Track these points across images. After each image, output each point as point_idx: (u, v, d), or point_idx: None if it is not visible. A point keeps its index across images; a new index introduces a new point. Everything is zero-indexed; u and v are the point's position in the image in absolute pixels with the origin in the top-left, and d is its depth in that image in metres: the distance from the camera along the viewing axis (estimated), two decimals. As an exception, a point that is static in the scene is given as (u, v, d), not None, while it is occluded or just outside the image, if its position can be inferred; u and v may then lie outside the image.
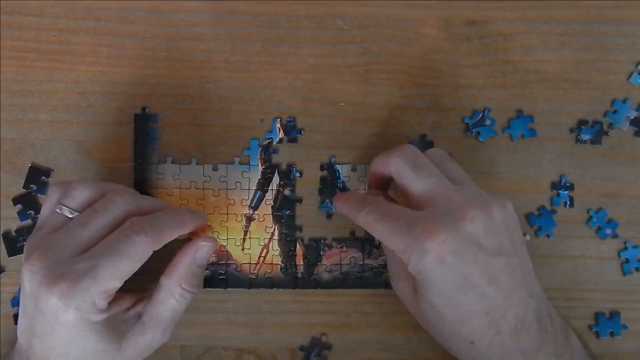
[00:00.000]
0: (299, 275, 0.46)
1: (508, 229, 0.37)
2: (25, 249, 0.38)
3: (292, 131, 0.46)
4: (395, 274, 0.41)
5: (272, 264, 0.46)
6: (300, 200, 0.46)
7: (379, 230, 0.37)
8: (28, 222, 0.46)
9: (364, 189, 0.46)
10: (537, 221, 0.46)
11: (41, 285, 0.35)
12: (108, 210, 0.38)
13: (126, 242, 0.36)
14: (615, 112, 0.46)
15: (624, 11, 0.46)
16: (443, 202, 0.37)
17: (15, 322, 0.45)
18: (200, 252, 0.40)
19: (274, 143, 0.46)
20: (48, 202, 0.39)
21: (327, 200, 0.46)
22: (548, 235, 0.46)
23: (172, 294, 0.39)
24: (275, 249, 0.46)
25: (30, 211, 0.46)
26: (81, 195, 0.38)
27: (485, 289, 0.35)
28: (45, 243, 0.36)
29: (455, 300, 0.36)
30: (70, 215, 0.38)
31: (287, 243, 0.46)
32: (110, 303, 0.37)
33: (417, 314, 0.39)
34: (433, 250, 0.35)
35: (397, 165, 0.39)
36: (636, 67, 0.46)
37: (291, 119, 0.46)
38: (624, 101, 0.46)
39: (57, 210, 0.38)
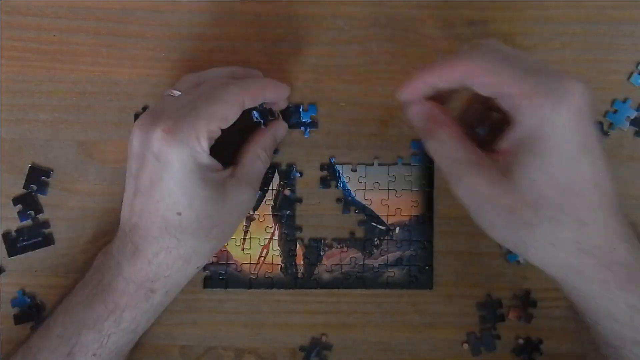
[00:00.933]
0: (299, 275, 0.46)
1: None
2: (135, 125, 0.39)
3: (291, 117, 0.46)
4: (472, 162, 0.35)
5: (272, 264, 0.46)
6: (300, 200, 0.46)
7: (495, 72, 0.33)
8: (28, 222, 0.46)
9: (364, 189, 0.46)
10: None
11: (149, 127, 0.37)
12: (212, 84, 0.40)
13: (221, 89, 0.39)
14: (615, 112, 0.46)
15: (624, 11, 0.46)
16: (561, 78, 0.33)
17: (16, 323, 0.45)
18: (279, 130, 0.44)
19: None
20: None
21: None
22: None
23: (258, 156, 0.42)
24: (275, 249, 0.46)
25: (30, 211, 0.46)
26: (188, 81, 0.41)
27: (601, 155, 0.33)
28: (151, 110, 0.39)
29: (574, 166, 0.32)
30: (175, 94, 0.40)
31: (287, 243, 0.46)
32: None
33: (489, 196, 0.34)
34: (576, 94, 0.31)
35: (491, 63, 0.34)
36: (636, 67, 0.46)
37: (290, 105, 0.46)
38: (624, 101, 0.46)
39: (167, 93, 0.41)
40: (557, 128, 0.32)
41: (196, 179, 0.37)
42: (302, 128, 0.46)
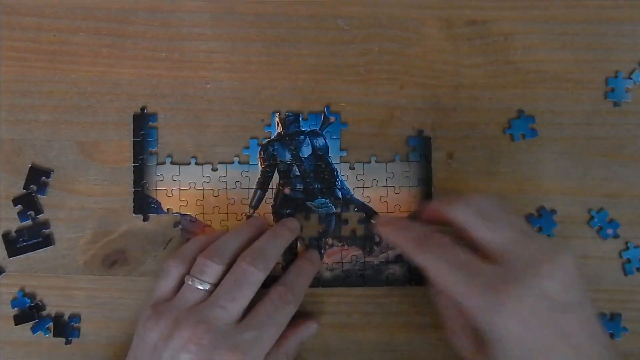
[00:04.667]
0: None
1: (579, 278, 0.35)
2: (163, 322, 0.38)
3: (290, 126, 0.46)
4: (455, 329, 0.40)
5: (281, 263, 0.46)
6: (300, 199, 0.46)
7: (449, 281, 0.36)
8: (28, 222, 0.46)
9: (363, 187, 0.46)
10: (538, 222, 0.46)
11: (214, 356, 0.36)
12: (249, 283, 0.39)
13: (280, 312, 0.40)
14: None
15: (625, 11, 0.46)
16: (517, 257, 0.35)
17: (16, 323, 0.45)
18: (307, 332, 0.44)
19: (272, 137, 0.46)
20: (168, 277, 0.41)
21: (327, 201, 0.46)
22: (549, 236, 0.46)
23: None
24: (276, 247, 0.46)
25: (30, 212, 0.46)
26: (212, 270, 0.40)
27: (562, 347, 0.34)
28: (202, 318, 0.38)
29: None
30: (201, 287, 0.39)
31: (288, 242, 0.46)
32: None
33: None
34: (513, 310, 0.33)
35: (465, 216, 0.37)
36: (638, 66, 0.46)
37: (290, 114, 0.46)
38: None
39: (190, 283, 0.40)
40: (506, 336, 0.34)
41: None
42: (302, 137, 0.46)
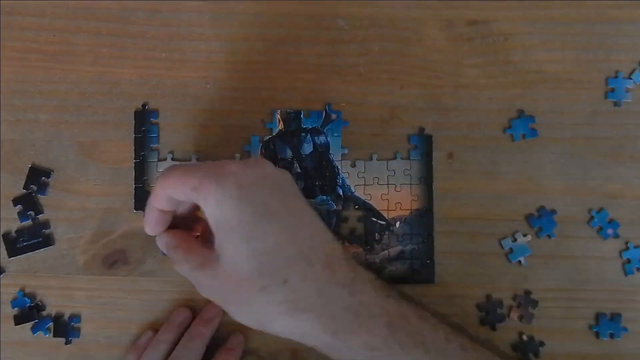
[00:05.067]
0: None
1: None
2: None
3: (291, 123, 0.46)
4: (186, 257, 0.38)
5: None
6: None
7: (169, 183, 0.36)
8: (28, 222, 0.46)
9: (364, 184, 0.46)
10: (538, 222, 0.46)
11: None
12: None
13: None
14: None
15: (625, 11, 0.46)
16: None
17: (16, 323, 0.45)
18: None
19: (274, 134, 0.46)
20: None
21: (328, 198, 0.46)
22: (549, 236, 0.46)
23: None
24: (276, 247, 0.46)
25: (30, 212, 0.46)
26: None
27: (288, 219, 0.35)
28: None
29: (260, 230, 0.34)
30: None
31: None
32: None
33: (214, 285, 0.37)
34: (232, 175, 0.34)
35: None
36: (638, 66, 0.46)
37: (291, 111, 0.46)
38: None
39: None
40: (231, 206, 0.34)
41: None
42: (303, 135, 0.46)
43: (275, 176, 0.37)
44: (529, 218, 0.46)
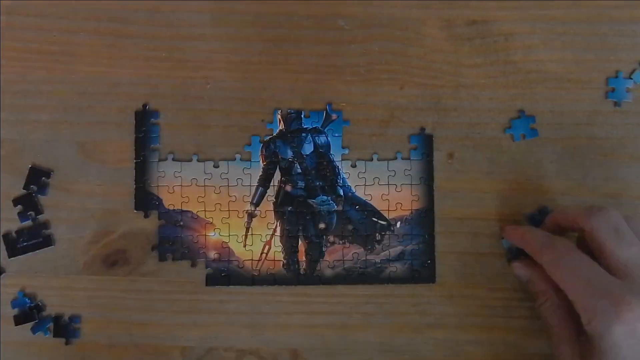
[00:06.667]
0: (302, 271, 0.46)
1: None
2: None
3: (292, 123, 0.46)
4: (562, 336, 0.40)
5: (274, 260, 0.46)
6: (301, 197, 0.46)
7: (572, 281, 0.37)
8: (28, 223, 0.46)
9: (364, 185, 0.46)
10: (539, 221, 0.46)
11: None
12: None
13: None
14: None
15: (625, 11, 0.46)
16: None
17: (16, 324, 0.45)
18: None
19: (274, 134, 0.46)
20: None
21: (329, 198, 0.46)
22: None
23: None
24: (277, 245, 0.46)
25: (30, 212, 0.45)
26: None
27: None
28: None
29: None
30: None
31: (289, 239, 0.46)
32: None
33: None
34: (627, 319, 0.35)
35: (601, 227, 0.39)
36: (638, 66, 0.46)
37: (292, 111, 0.46)
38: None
39: None
40: (614, 344, 0.35)
41: None
42: (304, 135, 0.46)
43: None
44: (530, 217, 0.46)
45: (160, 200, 0.46)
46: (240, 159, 0.46)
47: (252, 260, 0.46)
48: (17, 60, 0.46)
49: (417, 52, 0.46)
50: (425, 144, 0.46)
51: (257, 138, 0.46)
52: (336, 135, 0.46)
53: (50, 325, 0.45)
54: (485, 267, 0.46)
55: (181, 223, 0.46)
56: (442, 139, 0.46)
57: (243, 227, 0.46)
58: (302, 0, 0.46)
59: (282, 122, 0.46)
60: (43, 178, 0.46)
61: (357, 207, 0.46)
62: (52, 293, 0.46)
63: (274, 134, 0.46)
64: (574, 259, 0.38)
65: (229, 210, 0.46)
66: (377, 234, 0.46)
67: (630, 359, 0.35)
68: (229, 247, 0.46)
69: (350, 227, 0.46)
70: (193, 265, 0.46)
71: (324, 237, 0.46)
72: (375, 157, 0.46)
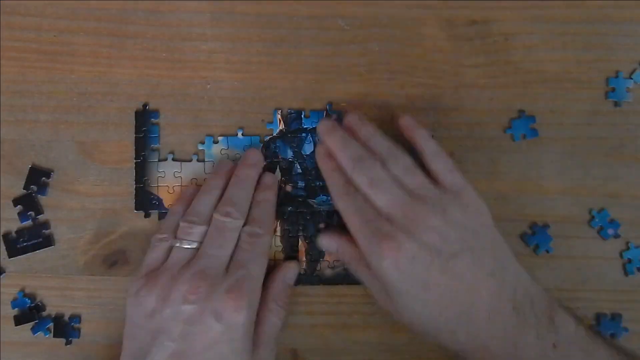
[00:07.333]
0: (302, 271, 0.46)
1: (469, 224, 0.39)
2: (159, 285, 0.39)
3: (292, 123, 0.46)
4: (366, 271, 0.42)
5: (274, 260, 0.46)
6: (301, 197, 0.46)
7: (351, 224, 0.40)
8: (28, 223, 0.46)
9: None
10: (533, 240, 0.46)
11: (213, 300, 0.38)
12: (230, 230, 0.41)
13: (257, 247, 0.41)
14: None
15: (626, 11, 0.46)
16: (401, 216, 0.38)
17: (16, 324, 0.45)
18: (288, 273, 0.44)
19: (275, 134, 0.46)
20: (157, 249, 0.42)
21: (329, 198, 0.46)
22: (547, 251, 0.46)
23: (270, 310, 0.42)
24: (277, 245, 0.46)
25: (30, 212, 0.45)
26: (196, 230, 0.41)
27: (449, 284, 0.37)
28: (195, 270, 0.39)
29: (419, 298, 0.38)
30: (189, 247, 0.41)
31: (290, 239, 0.46)
32: None
33: (391, 311, 0.41)
34: (389, 256, 0.37)
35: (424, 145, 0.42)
36: (638, 66, 0.46)
37: (292, 111, 0.46)
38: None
39: (178, 245, 0.41)
40: (389, 278, 0.38)
41: (247, 345, 0.39)
42: (304, 135, 0.46)
43: None
44: (523, 237, 0.46)
45: (160, 200, 0.46)
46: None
47: (252, 260, 0.46)
48: (17, 60, 0.46)
49: (417, 52, 0.46)
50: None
51: (257, 138, 0.46)
52: (336, 135, 0.46)
53: (50, 325, 0.45)
54: (485, 267, 0.46)
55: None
56: (442, 139, 0.46)
57: (243, 227, 0.46)
58: (302, 0, 0.46)
59: (282, 122, 0.46)
60: (43, 178, 0.46)
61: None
62: (52, 293, 0.46)
63: (274, 134, 0.46)
64: (358, 202, 0.40)
65: (229, 210, 0.46)
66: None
67: (404, 288, 0.38)
68: (229, 247, 0.46)
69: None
70: (193, 265, 0.46)
71: (324, 237, 0.46)
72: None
